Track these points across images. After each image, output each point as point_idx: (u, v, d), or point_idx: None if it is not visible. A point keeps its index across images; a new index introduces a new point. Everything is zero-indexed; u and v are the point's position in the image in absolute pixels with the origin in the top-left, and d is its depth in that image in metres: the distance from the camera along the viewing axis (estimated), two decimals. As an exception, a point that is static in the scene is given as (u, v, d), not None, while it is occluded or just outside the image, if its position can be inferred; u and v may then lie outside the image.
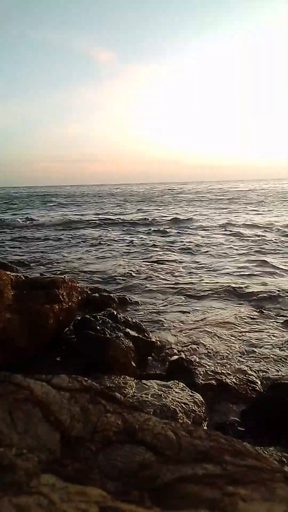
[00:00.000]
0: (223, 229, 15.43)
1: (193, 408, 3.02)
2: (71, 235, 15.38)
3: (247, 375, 3.82)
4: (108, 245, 12.63)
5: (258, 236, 13.26)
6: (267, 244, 11.54)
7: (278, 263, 8.94)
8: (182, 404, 3.00)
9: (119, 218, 21.12)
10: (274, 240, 12.23)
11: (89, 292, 6.37)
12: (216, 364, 4.08)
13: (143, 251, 11.32)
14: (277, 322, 5.30)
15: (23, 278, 4.50)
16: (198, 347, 4.55)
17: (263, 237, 12.88)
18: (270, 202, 30.59)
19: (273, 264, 8.82)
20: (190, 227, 16.89)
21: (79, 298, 4.68)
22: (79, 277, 7.84)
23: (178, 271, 8.47)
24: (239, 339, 4.77)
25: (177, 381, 3.37)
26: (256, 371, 3.93)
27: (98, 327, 4.07)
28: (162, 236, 14.46)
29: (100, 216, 22.71)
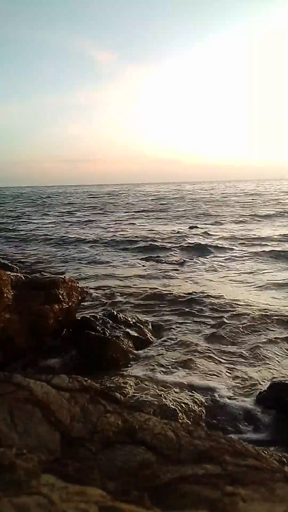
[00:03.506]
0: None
1: (193, 408, 3.02)
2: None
3: (247, 375, 3.82)
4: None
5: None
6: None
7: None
8: (182, 404, 3.00)
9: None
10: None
11: (89, 291, 6.38)
12: (216, 364, 4.08)
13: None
14: (277, 323, 5.30)
15: (23, 278, 4.49)
16: (198, 347, 4.55)
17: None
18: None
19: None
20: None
21: (79, 298, 4.67)
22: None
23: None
24: (239, 339, 4.77)
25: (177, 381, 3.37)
26: (257, 371, 3.93)
27: (98, 327, 4.07)
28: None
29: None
